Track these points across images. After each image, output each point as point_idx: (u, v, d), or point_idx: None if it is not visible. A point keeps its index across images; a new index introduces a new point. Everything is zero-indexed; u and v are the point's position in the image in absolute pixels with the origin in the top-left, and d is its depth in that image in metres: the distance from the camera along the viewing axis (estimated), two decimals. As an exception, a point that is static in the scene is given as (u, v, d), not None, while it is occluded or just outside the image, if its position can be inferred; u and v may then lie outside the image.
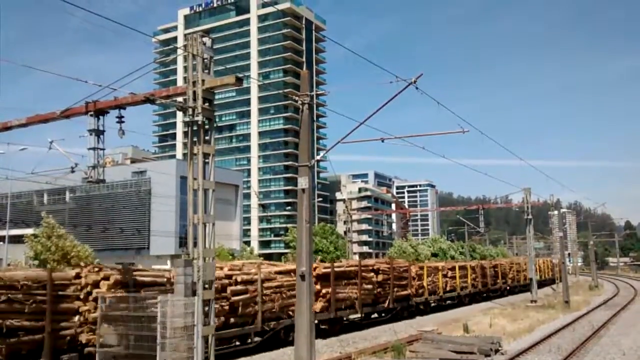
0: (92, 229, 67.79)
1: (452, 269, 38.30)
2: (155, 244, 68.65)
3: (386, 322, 28.38)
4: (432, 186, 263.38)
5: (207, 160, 12.31)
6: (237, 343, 19.86)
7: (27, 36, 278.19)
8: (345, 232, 69.05)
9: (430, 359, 16.70)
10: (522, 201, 41.33)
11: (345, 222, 67.86)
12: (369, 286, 27.02)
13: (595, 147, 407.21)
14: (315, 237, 65.18)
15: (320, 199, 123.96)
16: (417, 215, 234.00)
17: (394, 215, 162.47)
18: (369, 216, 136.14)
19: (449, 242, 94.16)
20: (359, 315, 26.34)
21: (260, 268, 20.84)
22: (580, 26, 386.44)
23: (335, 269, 24.62)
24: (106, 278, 15.19)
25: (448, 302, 37.25)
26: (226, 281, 18.81)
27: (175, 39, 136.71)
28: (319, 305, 22.88)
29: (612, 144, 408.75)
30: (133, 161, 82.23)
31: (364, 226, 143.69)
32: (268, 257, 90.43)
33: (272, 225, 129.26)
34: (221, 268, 19.06)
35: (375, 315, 29.61)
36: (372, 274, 27.65)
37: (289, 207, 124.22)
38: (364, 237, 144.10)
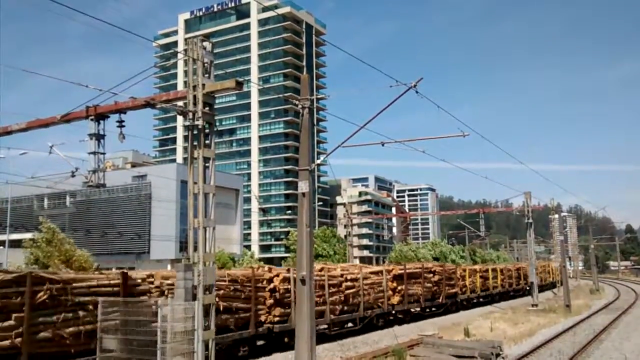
0: (93, 233, 67.76)
1: (486, 271, 43.85)
2: (155, 248, 68.62)
3: (440, 315, 33.63)
4: (433, 190, 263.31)
5: (207, 165, 12.30)
6: (350, 325, 25.61)
7: (28, 41, 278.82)
8: (345, 236, 68.91)
9: (431, 364, 16.68)
10: (523, 205, 41.28)
11: (345, 226, 67.68)
12: (429, 285, 32.39)
13: (596, 151, 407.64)
14: (316, 241, 65.15)
15: (321, 203, 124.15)
16: (417, 219, 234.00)
17: (394, 219, 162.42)
18: (370, 220, 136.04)
19: (449, 245, 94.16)
20: (419, 309, 31.65)
21: (361, 269, 26.67)
22: (580, 31, 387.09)
23: (407, 271, 30.01)
24: (277, 275, 20.68)
25: (481, 299, 42.33)
26: (341, 279, 24.40)
27: (175, 43, 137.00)
28: (396, 299, 28.84)
29: (613, 148, 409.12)
30: (133, 165, 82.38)
31: (365, 230, 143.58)
32: (268, 261, 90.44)
33: (272, 229, 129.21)
34: (335, 269, 25.08)
35: (431, 309, 34.16)
36: (430, 274, 32.92)
37: (290, 211, 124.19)
38: (365, 241, 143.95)
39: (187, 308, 11.34)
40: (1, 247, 59.13)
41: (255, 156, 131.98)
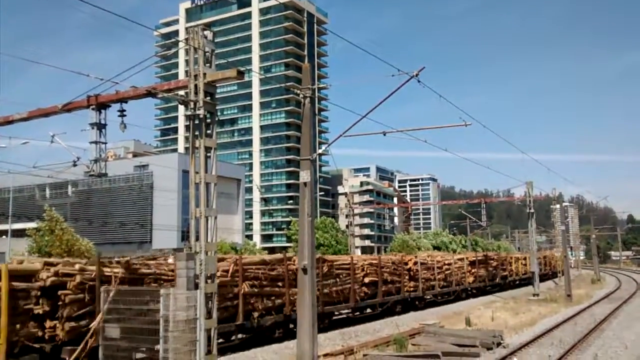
0: (94, 223, 67.92)
1: (525, 258, 52.29)
2: (157, 237, 68.78)
3: (495, 292, 42.29)
4: (434, 180, 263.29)
5: (209, 154, 12.27)
6: (439, 297, 34.06)
7: (29, 31, 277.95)
8: (347, 226, 69.00)
9: (432, 352, 16.71)
10: (524, 195, 41.25)
11: (347, 216, 67.77)
12: (490, 268, 42.84)
13: (598, 141, 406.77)
14: (317, 231, 65.22)
15: (322, 193, 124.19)
16: (419, 209, 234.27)
17: (395, 209, 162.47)
18: (371, 210, 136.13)
19: (451, 235, 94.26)
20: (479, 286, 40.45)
21: (453, 256, 37.41)
22: (583, 21, 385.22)
23: (477, 258, 40.72)
24: (411, 260, 30.92)
25: (522, 281, 49.99)
26: (441, 262, 34.08)
27: (176, 32, 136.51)
28: (471, 279, 38.41)
29: (615, 138, 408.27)
30: (135, 155, 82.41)
31: (366, 220, 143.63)
32: (270, 250, 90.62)
33: (274, 219, 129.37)
34: (437, 256, 35.21)
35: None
36: (491, 261, 43.67)
37: (291, 201, 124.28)
38: (366, 231, 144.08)
39: (189, 297, 11.37)
40: (3, 237, 59.35)
41: (256, 146, 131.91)
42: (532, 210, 40.35)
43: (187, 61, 12.61)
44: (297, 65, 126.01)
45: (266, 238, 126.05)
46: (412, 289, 30.14)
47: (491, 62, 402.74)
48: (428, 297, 32.76)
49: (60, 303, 13.65)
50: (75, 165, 15.58)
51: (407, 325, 23.55)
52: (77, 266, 14.30)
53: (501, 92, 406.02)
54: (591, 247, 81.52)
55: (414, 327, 22.11)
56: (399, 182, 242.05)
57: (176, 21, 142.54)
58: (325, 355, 16.54)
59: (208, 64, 12.18)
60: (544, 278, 56.30)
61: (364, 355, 16.67)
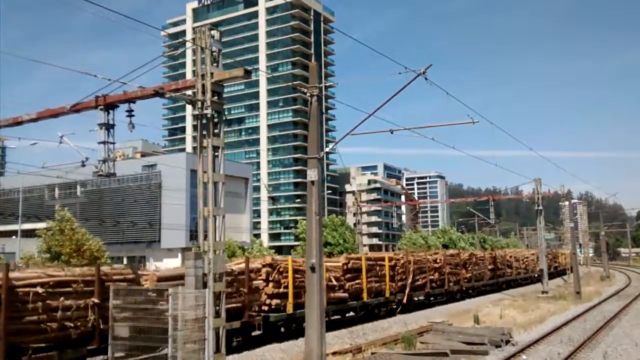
0: (104, 223, 68.21)
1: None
2: (166, 237, 69.01)
3: (528, 285, 48.52)
4: (442, 177, 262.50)
5: (216, 154, 12.32)
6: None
7: (37, 32, 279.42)
8: (355, 224, 68.96)
9: (440, 350, 16.69)
10: (533, 192, 41.07)
11: (354, 214, 67.74)
12: (524, 264, 51.22)
13: (607, 138, 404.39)
14: (325, 230, 65.20)
15: (330, 191, 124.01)
16: (426, 207, 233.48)
17: (403, 207, 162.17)
18: (379, 208, 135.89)
19: (459, 233, 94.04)
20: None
21: (483, 253, 42.83)
22: (586, 18, 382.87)
23: (515, 255, 49.73)
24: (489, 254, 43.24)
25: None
26: (474, 259, 39.08)
27: (184, 32, 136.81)
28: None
29: (624, 134, 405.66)
30: (143, 155, 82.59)
31: (374, 218, 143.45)
32: (278, 249, 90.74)
33: (281, 218, 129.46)
34: (475, 253, 41.59)
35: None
36: (526, 257, 52.39)
37: (299, 200, 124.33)
38: (374, 229, 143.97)
39: (197, 296, 11.42)
40: (13, 237, 59.73)
41: (264, 145, 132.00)
42: (540, 208, 40.18)
43: (194, 61, 12.66)
44: (304, 63, 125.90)
45: (274, 237, 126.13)
46: (466, 280, 36.69)
47: (499, 58, 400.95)
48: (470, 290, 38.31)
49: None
50: (84, 165, 15.68)
51: (415, 324, 23.54)
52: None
53: (509, 89, 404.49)
54: (600, 244, 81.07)
55: (422, 325, 22.10)
56: (407, 180, 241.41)
57: (183, 21, 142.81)
58: (334, 353, 16.55)
59: (215, 64, 12.23)
60: (552, 275, 56.16)
61: (372, 353, 16.67)
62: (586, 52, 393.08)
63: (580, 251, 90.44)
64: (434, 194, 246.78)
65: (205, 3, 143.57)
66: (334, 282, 23.16)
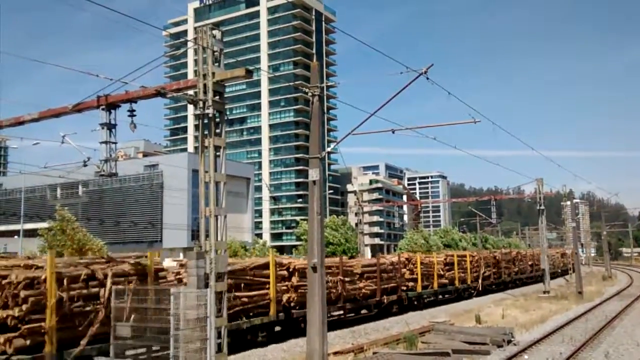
0: (105, 222, 68.30)
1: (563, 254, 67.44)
2: (167, 236, 69.08)
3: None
4: (444, 177, 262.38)
5: (218, 153, 12.32)
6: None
7: (38, 32, 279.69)
8: (356, 224, 68.97)
9: (442, 350, 16.68)
10: (535, 192, 40.99)
11: (356, 214, 67.74)
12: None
13: (609, 138, 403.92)
14: (326, 230, 65.17)
15: (331, 191, 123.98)
16: (428, 207, 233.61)
17: (405, 207, 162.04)
18: (380, 208, 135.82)
19: (460, 233, 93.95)
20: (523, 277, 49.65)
21: (510, 252, 47.29)
22: (589, 16, 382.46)
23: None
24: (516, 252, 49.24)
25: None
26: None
27: (185, 32, 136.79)
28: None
29: (626, 134, 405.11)
30: (145, 155, 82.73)
31: (375, 218, 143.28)
32: (280, 249, 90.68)
33: (283, 218, 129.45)
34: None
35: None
36: (553, 255, 55.21)
37: (300, 200, 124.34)
38: (375, 229, 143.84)
39: (199, 295, 11.43)
40: (15, 237, 59.82)
41: (265, 145, 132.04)
42: (542, 207, 40.09)
43: (195, 61, 12.67)
44: (305, 63, 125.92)
45: (276, 237, 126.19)
46: (514, 273, 44.12)
47: (500, 57, 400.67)
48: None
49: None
50: (85, 165, 15.69)
51: (417, 323, 23.54)
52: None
53: (511, 89, 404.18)
54: (602, 244, 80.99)
55: (423, 325, 22.09)
56: (408, 179, 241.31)
57: (185, 21, 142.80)
58: (335, 353, 16.55)
59: (217, 63, 12.23)
60: (554, 275, 56.18)
61: (374, 353, 16.66)
62: (586, 52, 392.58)
63: (582, 251, 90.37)
64: (435, 194, 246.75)
65: (207, 3, 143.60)
66: (442, 272, 33.20)
